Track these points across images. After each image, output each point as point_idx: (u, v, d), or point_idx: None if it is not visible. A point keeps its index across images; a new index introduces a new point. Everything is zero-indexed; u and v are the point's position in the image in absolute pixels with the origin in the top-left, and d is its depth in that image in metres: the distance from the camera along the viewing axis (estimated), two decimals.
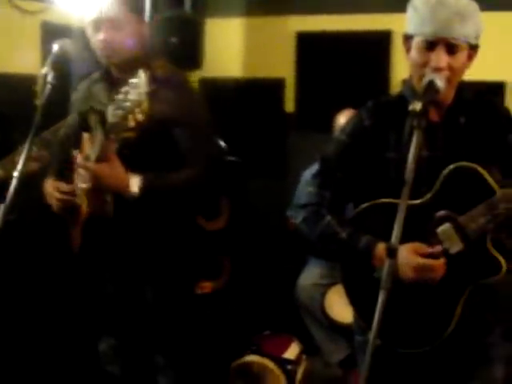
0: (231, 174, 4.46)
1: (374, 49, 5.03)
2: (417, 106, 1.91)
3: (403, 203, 1.85)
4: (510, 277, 2.11)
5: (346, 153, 2.28)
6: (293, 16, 5.19)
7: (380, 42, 4.97)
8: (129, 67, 2.50)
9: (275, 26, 5.24)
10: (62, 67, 2.43)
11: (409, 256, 2.06)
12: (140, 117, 2.17)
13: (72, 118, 2.81)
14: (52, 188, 2.56)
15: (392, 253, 1.83)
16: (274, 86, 5.35)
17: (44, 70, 2.41)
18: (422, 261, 2.06)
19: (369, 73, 5.06)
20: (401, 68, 4.86)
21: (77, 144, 2.54)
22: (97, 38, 2.53)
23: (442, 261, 2.07)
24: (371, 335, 1.84)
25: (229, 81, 5.27)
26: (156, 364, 2.76)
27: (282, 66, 5.29)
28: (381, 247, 2.13)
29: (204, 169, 2.55)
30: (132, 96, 2.18)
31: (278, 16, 5.21)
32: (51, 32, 4.03)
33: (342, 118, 4.40)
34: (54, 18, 4.20)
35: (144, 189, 2.39)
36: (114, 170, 2.37)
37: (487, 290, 2.17)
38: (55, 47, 2.46)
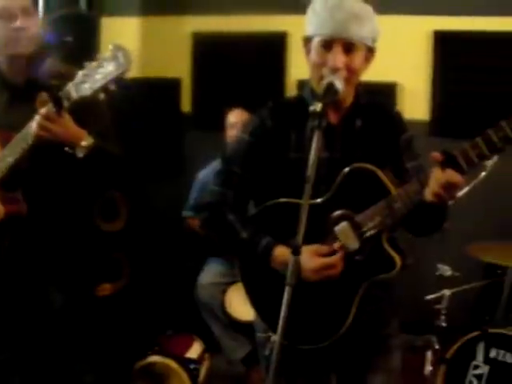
0: (129, 175, 4.41)
1: (269, 50, 5.10)
2: (317, 106, 1.96)
3: (305, 202, 1.90)
4: (404, 272, 2.20)
5: (248, 152, 2.31)
6: (189, 16, 5.20)
7: (275, 43, 5.05)
8: (26, 63, 2.48)
9: (171, 25, 5.24)
10: None
11: (309, 259, 2.11)
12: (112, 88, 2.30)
13: None
14: None
15: (296, 250, 1.88)
16: (171, 86, 5.36)
17: None
18: (321, 261, 2.13)
19: (264, 73, 5.13)
20: (295, 69, 4.98)
21: None
22: (11, 26, 2.48)
23: (339, 255, 2.14)
24: (277, 334, 1.88)
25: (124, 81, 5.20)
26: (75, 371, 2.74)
27: (179, 66, 5.30)
28: (279, 249, 2.19)
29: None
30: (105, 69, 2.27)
31: (174, 16, 5.22)
32: None
33: (232, 117, 4.46)
34: None
35: (93, 146, 2.50)
36: (67, 123, 2.46)
37: (383, 284, 2.24)
38: None
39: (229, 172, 2.34)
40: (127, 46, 2.36)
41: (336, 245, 2.17)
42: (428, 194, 2.00)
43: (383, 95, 4.39)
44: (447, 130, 4.72)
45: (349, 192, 2.18)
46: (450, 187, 1.94)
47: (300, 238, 1.89)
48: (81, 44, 4.48)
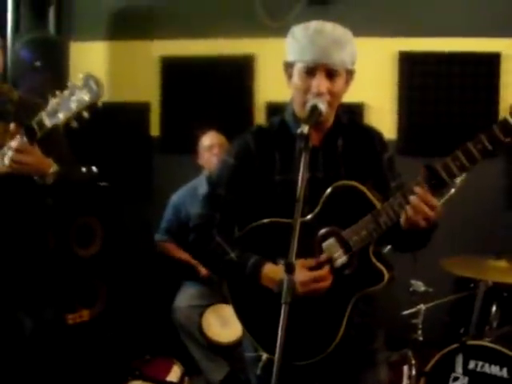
0: (103, 199, 4.41)
1: (237, 72, 5.15)
2: (304, 128, 2.02)
3: (297, 221, 1.94)
4: (389, 286, 2.24)
5: (233, 175, 2.34)
6: (157, 40, 5.22)
7: (243, 66, 5.11)
8: None
9: (139, 50, 5.26)
10: None
11: (298, 272, 2.09)
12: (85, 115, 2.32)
13: None
14: None
15: (290, 268, 1.91)
16: (140, 110, 5.37)
17: None
18: (310, 274, 2.16)
19: (233, 96, 5.17)
20: (264, 91, 5.04)
21: None
22: None
23: (326, 269, 2.18)
24: (276, 352, 1.88)
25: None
26: None
27: (147, 90, 5.31)
28: (268, 266, 2.22)
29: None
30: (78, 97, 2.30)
31: (142, 40, 5.23)
32: None
33: (206, 140, 4.49)
34: None
35: (59, 173, 2.52)
36: (38, 153, 2.47)
37: (368, 299, 2.28)
38: None
39: (214, 195, 2.37)
40: (96, 70, 2.41)
41: (323, 256, 2.20)
42: (403, 222, 2.08)
43: (354, 115, 4.46)
44: (414, 149, 4.83)
45: (335, 209, 2.23)
46: (425, 213, 2.03)
47: (293, 255, 1.92)
48: (50, 68, 4.49)
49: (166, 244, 4.58)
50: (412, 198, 2.04)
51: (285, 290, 1.90)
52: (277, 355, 1.88)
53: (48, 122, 2.36)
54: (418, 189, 2.05)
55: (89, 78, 2.32)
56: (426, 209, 2.03)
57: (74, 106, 2.31)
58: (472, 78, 4.75)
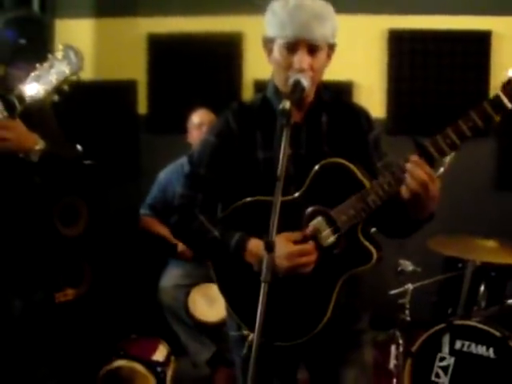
0: (88, 178, 4.36)
1: (225, 50, 5.11)
2: (286, 104, 1.97)
3: (277, 199, 1.90)
4: (377, 266, 2.21)
5: (214, 153, 2.30)
6: (143, 17, 5.17)
7: (231, 44, 5.07)
8: None
9: (126, 27, 5.20)
10: None
11: (283, 245, 2.09)
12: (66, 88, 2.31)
13: None
14: None
15: (270, 247, 1.87)
16: (126, 88, 5.32)
17: None
18: (295, 247, 2.12)
19: (220, 74, 5.15)
20: (252, 69, 5.00)
21: None
22: None
23: (312, 244, 2.14)
24: (255, 332, 1.85)
25: (80, 83, 5.14)
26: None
27: (134, 67, 5.26)
28: (253, 242, 2.18)
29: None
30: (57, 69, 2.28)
31: (128, 17, 5.18)
32: None
33: (196, 118, 4.44)
34: None
35: (46, 150, 2.46)
36: (21, 128, 2.41)
37: (354, 279, 2.24)
38: None
39: (196, 175, 2.33)
40: (82, 48, 2.36)
41: (309, 230, 2.17)
42: (405, 192, 2.01)
43: (340, 94, 4.43)
44: (403, 128, 4.80)
45: (322, 187, 2.19)
46: (426, 184, 1.97)
47: (273, 234, 1.88)
48: (34, 46, 4.42)
49: (149, 219, 4.54)
50: (408, 166, 1.98)
51: (264, 268, 1.86)
52: (256, 334, 1.85)
53: (27, 95, 2.31)
54: (413, 156, 1.99)
55: (68, 49, 2.27)
56: (424, 175, 1.96)
57: (53, 78, 2.27)
58: (462, 56, 4.73)
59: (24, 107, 2.34)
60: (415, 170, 1.97)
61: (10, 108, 2.34)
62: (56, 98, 2.32)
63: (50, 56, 2.30)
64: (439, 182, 2.01)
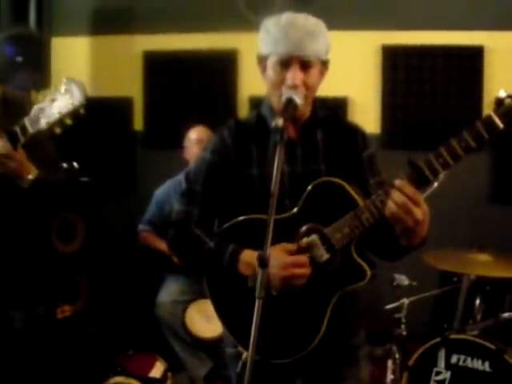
0: (85, 195, 4.39)
1: (220, 67, 5.14)
2: (279, 121, 1.98)
3: (271, 215, 1.91)
4: (372, 282, 2.22)
5: (210, 170, 2.32)
6: (139, 35, 5.21)
7: (226, 61, 5.10)
8: None
9: (122, 45, 5.23)
10: None
11: (277, 255, 2.09)
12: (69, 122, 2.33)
13: None
14: None
15: (264, 263, 1.87)
16: (123, 105, 5.34)
17: None
18: (290, 258, 2.12)
19: (216, 90, 5.17)
20: (247, 86, 5.03)
21: None
22: None
23: (306, 256, 2.14)
24: (249, 349, 1.84)
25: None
26: None
27: (130, 84, 5.29)
28: (246, 253, 2.18)
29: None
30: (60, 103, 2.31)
31: (124, 35, 5.21)
32: None
33: (194, 134, 4.47)
34: None
35: (36, 179, 2.53)
36: (21, 158, 2.50)
37: (349, 295, 2.25)
38: None
39: (192, 191, 2.35)
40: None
41: (303, 242, 2.18)
42: (388, 215, 2.02)
43: (335, 110, 4.46)
44: (398, 143, 4.83)
45: (316, 205, 2.20)
46: (408, 208, 1.96)
47: (267, 250, 1.88)
48: (31, 64, 4.45)
49: (147, 234, 4.56)
50: (392, 191, 2.00)
51: (258, 284, 1.87)
52: (250, 351, 1.85)
53: (31, 129, 2.38)
54: (397, 181, 1.99)
55: (71, 82, 2.30)
56: (408, 202, 1.96)
57: (56, 112, 2.31)
58: (456, 71, 4.76)
59: (27, 139, 2.42)
60: (394, 193, 1.98)
61: (13, 139, 2.42)
62: (58, 130, 2.35)
63: (52, 89, 2.34)
64: (426, 206, 1.99)
